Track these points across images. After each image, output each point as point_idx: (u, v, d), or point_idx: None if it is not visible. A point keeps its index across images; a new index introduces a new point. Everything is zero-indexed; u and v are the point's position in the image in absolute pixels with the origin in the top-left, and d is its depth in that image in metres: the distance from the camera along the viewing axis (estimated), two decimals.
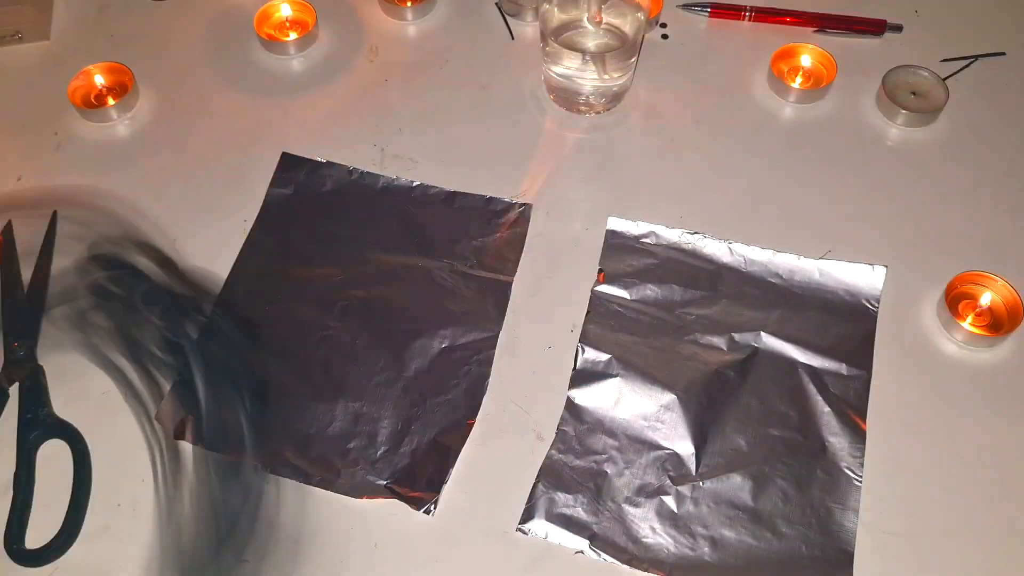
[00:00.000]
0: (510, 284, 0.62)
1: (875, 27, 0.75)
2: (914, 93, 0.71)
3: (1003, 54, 0.74)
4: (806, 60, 0.73)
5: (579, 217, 0.66)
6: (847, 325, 0.60)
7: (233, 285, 0.62)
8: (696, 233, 0.63)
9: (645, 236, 0.64)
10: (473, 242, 0.64)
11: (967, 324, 0.60)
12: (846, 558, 0.52)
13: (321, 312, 0.61)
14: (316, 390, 0.58)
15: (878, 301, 0.61)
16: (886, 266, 0.62)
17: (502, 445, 0.56)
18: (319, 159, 0.68)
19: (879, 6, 0.76)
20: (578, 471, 0.55)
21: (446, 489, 0.55)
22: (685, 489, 0.54)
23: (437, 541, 0.53)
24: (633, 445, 0.56)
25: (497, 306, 0.61)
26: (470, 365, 0.59)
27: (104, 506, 0.55)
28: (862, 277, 0.62)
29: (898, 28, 0.75)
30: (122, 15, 0.78)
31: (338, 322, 0.61)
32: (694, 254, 0.63)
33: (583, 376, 0.58)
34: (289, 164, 0.68)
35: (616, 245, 0.63)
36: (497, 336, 0.60)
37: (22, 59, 0.75)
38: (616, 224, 0.64)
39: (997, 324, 0.60)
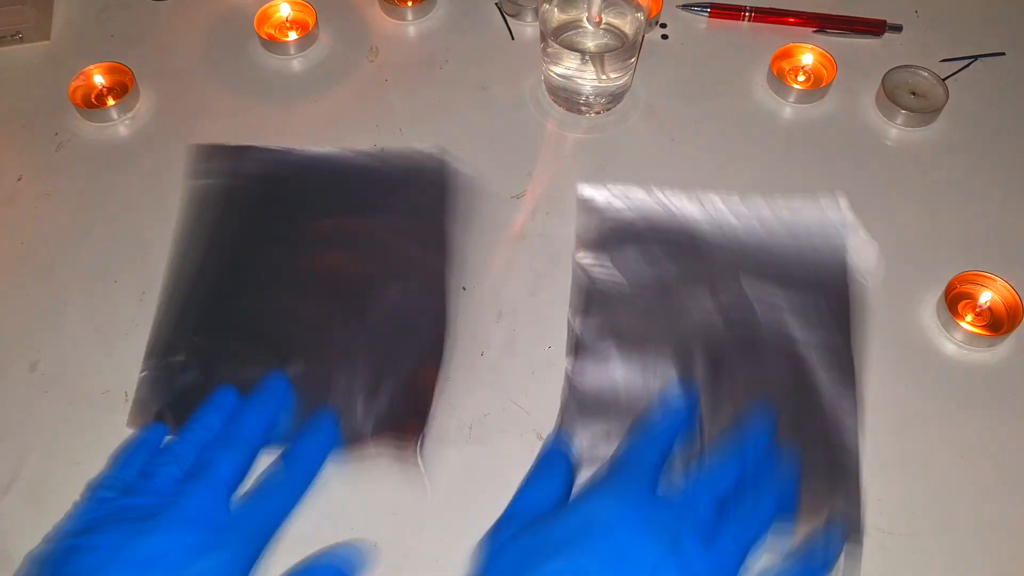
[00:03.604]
0: (445, 227, 0.64)
1: (875, 27, 0.75)
2: (914, 93, 0.71)
3: (1003, 54, 0.74)
4: (806, 60, 0.73)
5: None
6: (820, 258, 0.62)
7: (175, 279, 0.62)
8: (668, 191, 0.65)
9: (616, 199, 0.65)
10: (404, 197, 0.66)
11: (966, 324, 0.60)
12: (853, 477, 0.54)
13: (273, 286, 0.62)
14: (284, 361, 0.58)
15: (846, 228, 0.63)
16: (846, 193, 0.64)
17: (502, 445, 0.56)
18: (235, 144, 0.68)
19: (879, 6, 0.76)
20: (580, 439, 0.56)
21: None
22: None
23: (441, 535, 0.54)
24: (632, 402, 0.57)
25: (439, 251, 0.63)
26: (426, 306, 0.61)
27: None
28: (829, 209, 0.64)
29: (898, 28, 0.75)
30: (122, 15, 0.78)
31: (289, 292, 0.62)
32: (669, 213, 0.64)
33: (576, 345, 0.59)
34: (207, 154, 0.68)
35: (590, 211, 0.65)
36: (446, 278, 0.62)
37: (22, 59, 0.76)
38: (587, 191, 0.65)
39: (996, 324, 0.60)
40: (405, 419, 0.56)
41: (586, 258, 0.63)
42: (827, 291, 0.60)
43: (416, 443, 0.56)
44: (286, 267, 0.63)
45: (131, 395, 0.59)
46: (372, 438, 0.56)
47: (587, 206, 0.65)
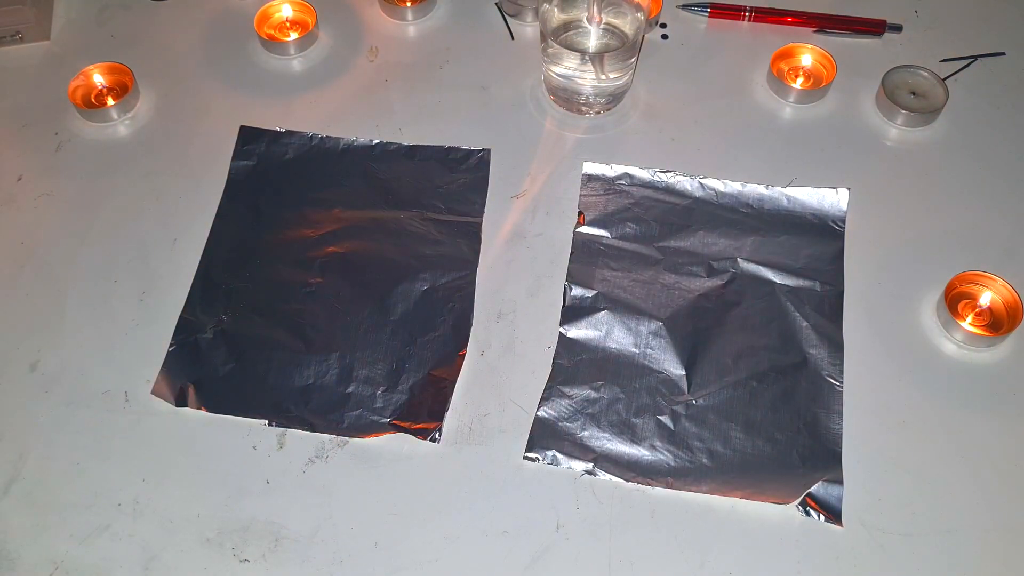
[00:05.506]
0: (479, 224, 0.65)
1: (875, 27, 0.75)
2: (914, 93, 0.71)
3: (1003, 54, 0.74)
4: (806, 60, 0.73)
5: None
6: (817, 246, 0.63)
7: (210, 258, 0.64)
8: (668, 171, 0.66)
9: (620, 178, 0.67)
10: (438, 189, 0.67)
11: (967, 324, 0.60)
12: (834, 458, 0.55)
13: (301, 271, 0.63)
14: (308, 344, 0.60)
15: (843, 221, 0.65)
16: (849, 188, 0.65)
17: (502, 445, 0.56)
18: (278, 129, 0.70)
19: (879, 6, 0.76)
20: (577, 400, 0.58)
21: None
22: (679, 408, 0.57)
23: (441, 535, 0.54)
24: (626, 371, 0.58)
25: (471, 246, 0.64)
26: (453, 302, 0.62)
27: (104, 506, 0.55)
28: (827, 200, 0.65)
29: (898, 28, 0.75)
30: (122, 15, 0.78)
31: (319, 278, 0.63)
32: (668, 191, 0.66)
33: (573, 312, 0.61)
34: (249, 137, 0.70)
35: (593, 188, 0.66)
36: (475, 272, 0.63)
37: (22, 59, 0.76)
38: (591, 168, 0.67)
39: (997, 324, 0.60)
40: (422, 413, 0.57)
41: (587, 231, 0.64)
42: (821, 277, 0.62)
43: (431, 437, 0.56)
44: (317, 253, 0.64)
45: (131, 395, 0.59)
46: (390, 425, 0.57)
47: (591, 182, 0.67)
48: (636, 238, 0.64)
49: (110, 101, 0.71)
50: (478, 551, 0.53)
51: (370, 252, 0.64)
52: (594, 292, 0.62)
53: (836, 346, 0.59)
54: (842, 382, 0.58)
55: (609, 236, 0.64)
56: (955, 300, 0.61)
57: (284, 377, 0.59)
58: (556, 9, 0.68)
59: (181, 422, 0.58)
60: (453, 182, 0.67)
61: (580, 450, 0.56)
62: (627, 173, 0.67)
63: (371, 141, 0.69)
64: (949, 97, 0.70)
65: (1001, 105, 0.71)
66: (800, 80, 0.72)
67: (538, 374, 0.59)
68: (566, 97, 0.71)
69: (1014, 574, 0.52)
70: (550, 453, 0.56)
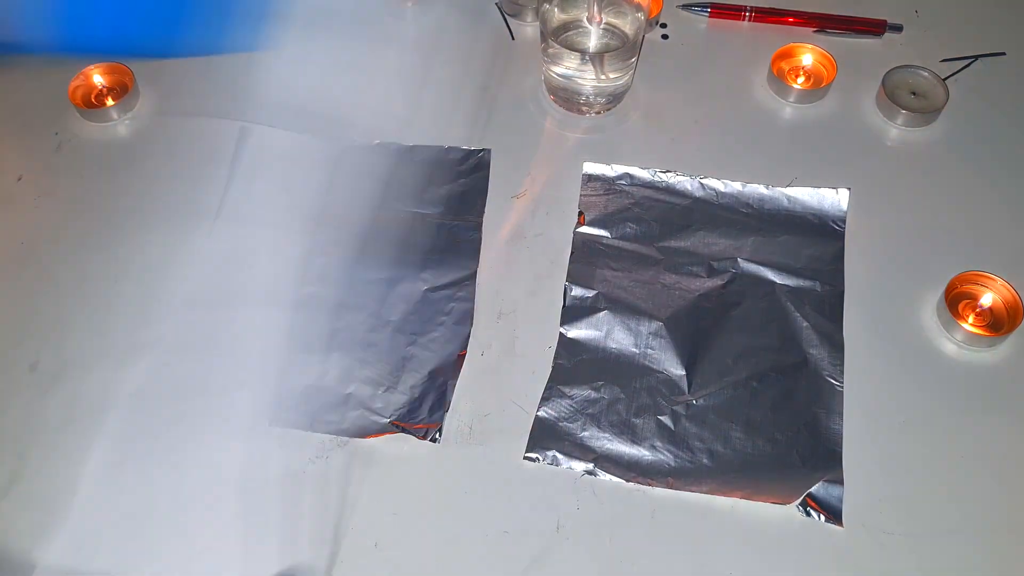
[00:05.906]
0: (479, 224, 0.65)
1: (875, 27, 0.75)
2: (914, 93, 0.71)
3: (1003, 54, 0.74)
4: (806, 60, 0.73)
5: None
6: (817, 246, 0.63)
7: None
8: (668, 171, 0.66)
9: (620, 178, 0.67)
10: (438, 190, 0.67)
11: (967, 324, 0.60)
12: (834, 458, 0.55)
13: (300, 271, 0.63)
14: (307, 345, 0.60)
15: (844, 221, 0.65)
16: (849, 188, 0.65)
17: (502, 445, 0.56)
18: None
19: (879, 6, 0.76)
20: (577, 400, 0.58)
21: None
22: (680, 408, 0.57)
23: (441, 535, 0.54)
24: (626, 371, 0.59)
25: (471, 246, 0.64)
26: (454, 302, 0.62)
27: None
28: (827, 200, 0.65)
29: (898, 28, 0.75)
30: None
31: (318, 279, 0.62)
32: (668, 191, 0.66)
33: (573, 312, 0.61)
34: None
35: (593, 188, 0.66)
36: (475, 273, 0.63)
37: (22, 59, 0.75)
38: (592, 168, 0.67)
39: (997, 324, 0.60)
40: (422, 412, 0.57)
41: (587, 231, 0.64)
42: (821, 277, 0.62)
43: (431, 437, 0.56)
44: (311, 251, 0.63)
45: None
46: (390, 425, 0.57)
47: (591, 182, 0.67)
48: (636, 238, 0.64)
49: (110, 101, 0.71)
50: (478, 551, 0.53)
51: (369, 252, 0.64)
52: (594, 292, 0.62)
53: (836, 346, 0.59)
54: (842, 382, 0.58)
55: (609, 236, 0.64)
56: (955, 300, 0.61)
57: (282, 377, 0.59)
58: (556, 9, 0.68)
59: None
60: (453, 182, 0.67)
61: (580, 450, 0.56)
62: (627, 173, 0.67)
63: (371, 141, 0.69)
64: (949, 97, 0.70)
65: (1001, 105, 0.71)
66: (800, 80, 0.72)
67: (538, 374, 0.59)
68: (566, 97, 0.71)
69: (1014, 574, 0.52)
70: (550, 453, 0.56)
